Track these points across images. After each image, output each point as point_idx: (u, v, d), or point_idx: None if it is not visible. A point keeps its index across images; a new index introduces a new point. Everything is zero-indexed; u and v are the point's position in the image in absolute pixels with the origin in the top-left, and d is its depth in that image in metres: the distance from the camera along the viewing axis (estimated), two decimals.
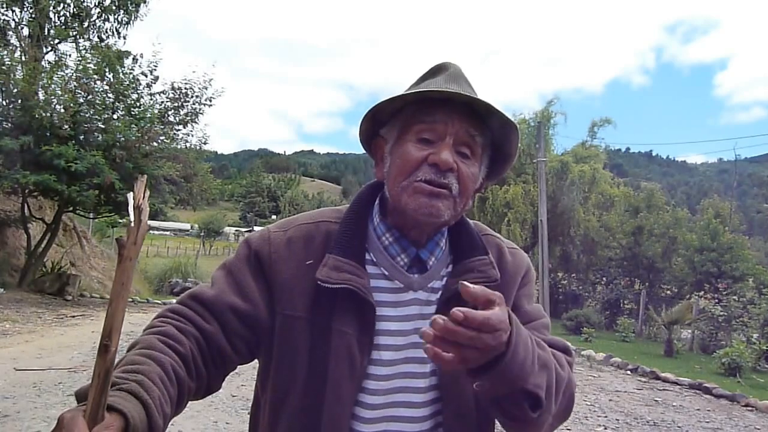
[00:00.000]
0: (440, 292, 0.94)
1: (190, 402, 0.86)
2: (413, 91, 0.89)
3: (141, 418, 0.66)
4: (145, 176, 0.69)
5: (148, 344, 0.79)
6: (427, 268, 0.95)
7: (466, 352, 0.69)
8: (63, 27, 13.29)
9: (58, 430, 0.60)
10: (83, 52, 12.28)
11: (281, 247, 0.93)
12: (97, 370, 0.59)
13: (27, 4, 12.86)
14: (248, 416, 1.06)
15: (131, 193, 0.63)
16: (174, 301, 0.95)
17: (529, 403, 0.80)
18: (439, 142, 0.88)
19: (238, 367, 0.95)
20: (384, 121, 0.95)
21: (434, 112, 0.88)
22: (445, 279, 0.95)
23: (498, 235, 1.05)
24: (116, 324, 0.59)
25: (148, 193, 0.64)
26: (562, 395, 0.87)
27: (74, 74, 11.17)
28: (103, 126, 11.17)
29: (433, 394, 0.92)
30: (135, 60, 11.98)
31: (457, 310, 0.68)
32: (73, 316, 9.35)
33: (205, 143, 13.15)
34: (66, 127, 10.38)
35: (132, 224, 0.61)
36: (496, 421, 0.93)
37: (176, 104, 12.25)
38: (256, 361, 0.98)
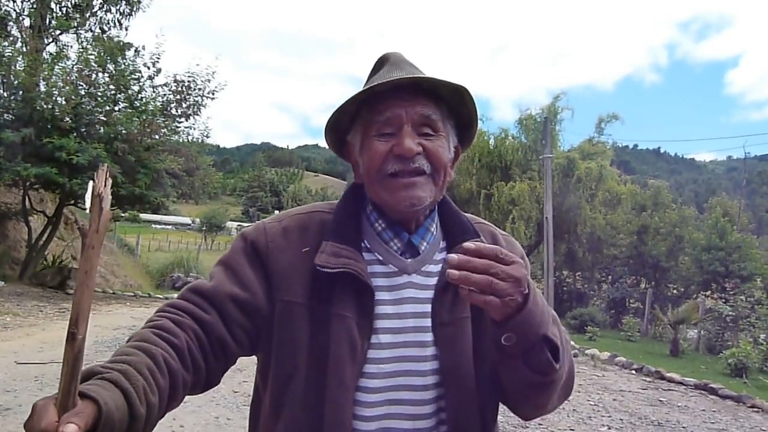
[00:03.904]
0: (437, 278, 0.96)
1: (191, 397, 0.87)
2: (357, 93, 0.92)
3: (118, 405, 0.67)
4: (107, 165, 0.66)
5: (141, 337, 0.81)
6: (419, 253, 0.97)
7: (495, 288, 0.75)
8: (64, 18, 13.20)
9: (30, 417, 0.61)
10: (85, 43, 12.21)
11: (277, 237, 0.96)
12: (65, 358, 0.60)
13: None
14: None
15: (91, 181, 0.63)
16: (176, 295, 0.95)
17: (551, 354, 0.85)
18: (399, 132, 0.91)
19: (241, 362, 0.94)
20: (347, 127, 0.99)
21: (383, 110, 0.91)
22: (440, 265, 0.97)
23: (491, 224, 1.09)
24: (83, 312, 0.60)
25: (110, 181, 0.63)
26: (569, 361, 0.92)
27: (75, 66, 11.14)
28: (104, 118, 11.16)
29: (436, 377, 0.92)
30: (137, 52, 11.93)
31: (470, 242, 0.78)
32: None
33: (207, 136, 13.17)
34: (67, 119, 10.33)
35: (91, 212, 0.61)
36: (500, 406, 0.98)
37: (179, 97, 12.22)
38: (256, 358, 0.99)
